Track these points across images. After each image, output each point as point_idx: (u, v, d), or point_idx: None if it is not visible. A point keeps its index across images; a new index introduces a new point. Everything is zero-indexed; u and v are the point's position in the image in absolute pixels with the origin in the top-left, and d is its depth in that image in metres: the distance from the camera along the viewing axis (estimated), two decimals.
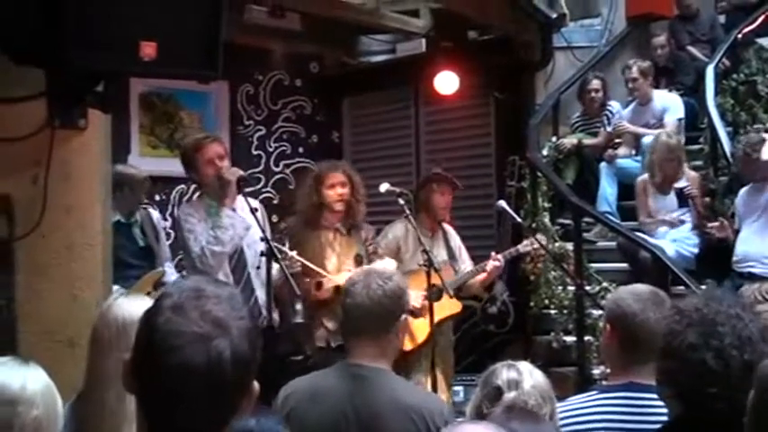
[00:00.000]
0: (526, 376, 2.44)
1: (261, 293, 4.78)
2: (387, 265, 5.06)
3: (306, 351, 4.76)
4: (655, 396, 2.56)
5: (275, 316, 4.79)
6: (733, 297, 2.11)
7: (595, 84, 7.81)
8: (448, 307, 5.56)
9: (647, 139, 7.09)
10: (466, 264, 5.83)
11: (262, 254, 4.48)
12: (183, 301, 1.47)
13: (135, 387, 1.49)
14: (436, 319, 5.24)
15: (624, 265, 6.47)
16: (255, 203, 4.73)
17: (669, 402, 2.12)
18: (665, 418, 2.31)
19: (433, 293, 5.12)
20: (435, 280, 5.05)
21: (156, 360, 1.43)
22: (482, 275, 5.69)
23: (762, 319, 2.29)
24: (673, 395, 2.06)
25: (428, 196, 5.71)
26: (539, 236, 5.89)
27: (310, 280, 4.97)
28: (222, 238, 4.63)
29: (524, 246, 5.78)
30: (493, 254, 5.66)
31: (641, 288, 2.76)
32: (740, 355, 1.93)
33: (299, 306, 4.58)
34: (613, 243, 6.68)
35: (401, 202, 5.13)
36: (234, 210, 4.74)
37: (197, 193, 5.36)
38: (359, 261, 5.19)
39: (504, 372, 2.46)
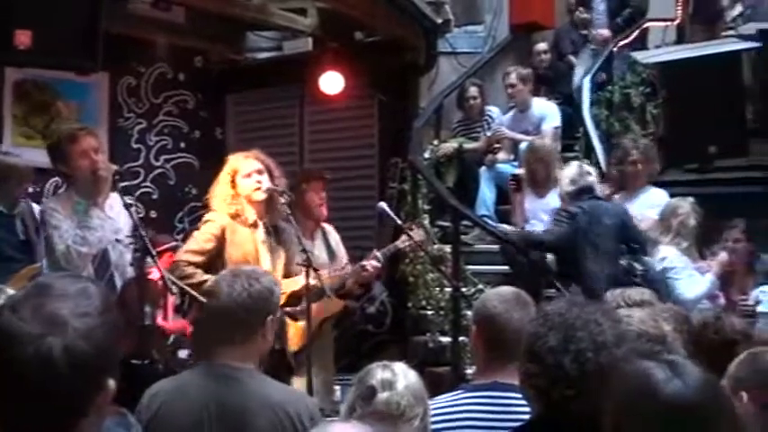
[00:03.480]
0: (400, 377, 2.49)
1: None
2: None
3: (153, 355, 4.50)
4: (518, 395, 2.65)
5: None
6: (596, 303, 2.20)
7: (473, 91, 7.98)
8: (329, 306, 5.58)
9: (524, 146, 7.28)
10: (344, 262, 5.82)
11: (136, 251, 4.37)
12: (22, 299, 1.46)
13: None
14: (318, 319, 5.25)
15: (500, 267, 6.62)
16: (129, 199, 4.56)
17: (530, 403, 2.20)
18: (527, 417, 2.40)
19: (313, 294, 5.13)
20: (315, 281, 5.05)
21: None
22: (363, 274, 5.72)
23: (624, 324, 2.41)
24: (533, 396, 2.14)
25: (301, 196, 5.66)
26: (416, 230, 5.95)
27: None
28: (90, 239, 4.45)
29: (402, 242, 5.81)
30: (374, 252, 5.70)
31: (506, 290, 2.86)
32: (596, 358, 2.01)
33: (146, 308, 4.44)
34: (490, 246, 6.83)
35: (282, 201, 5.10)
36: (103, 210, 4.55)
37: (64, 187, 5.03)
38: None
39: (378, 372, 2.50)
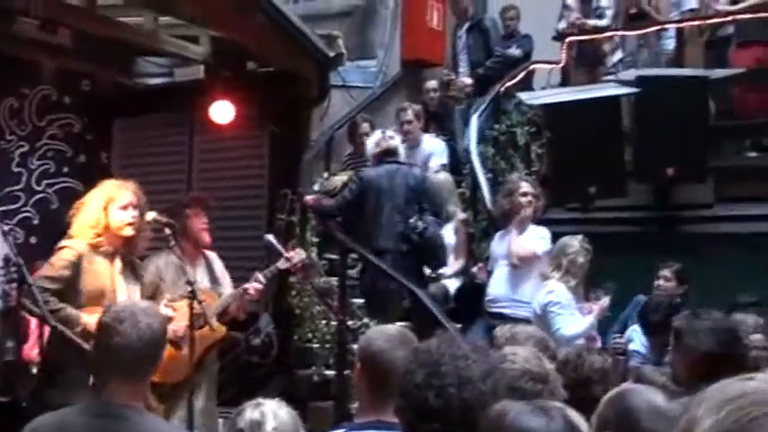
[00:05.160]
0: (269, 418, 2.44)
1: None
2: None
3: (17, 392, 4.34)
4: None
5: None
6: (469, 339, 2.25)
7: (365, 127, 8.05)
8: (211, 334, 5.50)
9: None
10: (227, 289, 5.75)
11: (12, 281, 4.21)
12: None
13: None
14: (202, 347, 5.18)
15: None
16: (8, 225, 4.40)
17: None
18: None
19: (196, 322, 5.06)
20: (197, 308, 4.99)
21: None
22: (245, 297, 5.66)
23: (500, 360, 2.45)
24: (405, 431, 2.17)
25: (183, 222, 5.57)
26: (298, 249, 5.93)
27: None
28: None
29: (282, 263, 5.76)
30: (255, 274, 5.66)
31: (391, 328, 2.87)
32: (459, 393, 2.06)
33: (10, 343, 4.25)
34: None
35: (167, 231, 5.02)
36: None
37: None
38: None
39: (248, 413, 2.46)
